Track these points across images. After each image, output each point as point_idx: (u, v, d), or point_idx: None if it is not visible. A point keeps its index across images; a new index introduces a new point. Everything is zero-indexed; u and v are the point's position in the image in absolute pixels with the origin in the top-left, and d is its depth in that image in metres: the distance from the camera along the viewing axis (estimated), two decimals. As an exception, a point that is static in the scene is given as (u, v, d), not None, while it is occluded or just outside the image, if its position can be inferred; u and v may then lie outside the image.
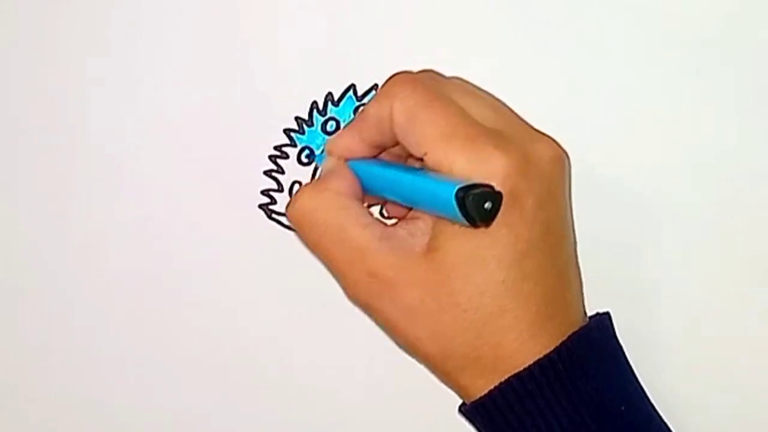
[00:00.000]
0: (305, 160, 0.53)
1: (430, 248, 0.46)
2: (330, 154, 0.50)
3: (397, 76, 0.48)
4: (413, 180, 0.46)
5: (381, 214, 0.53)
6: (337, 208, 0.47)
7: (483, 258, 0.45)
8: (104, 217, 0.54)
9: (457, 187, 0.43)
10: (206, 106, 0.53)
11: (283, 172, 0.53)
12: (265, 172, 0.53)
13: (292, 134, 0.53)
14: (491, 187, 0.43)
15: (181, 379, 0.55)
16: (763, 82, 0.52)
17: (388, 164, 0.50)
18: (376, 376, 0.54)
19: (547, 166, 0.46)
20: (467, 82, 0.50)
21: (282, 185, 0.53)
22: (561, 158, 0.47)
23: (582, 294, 0.49)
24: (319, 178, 0.50)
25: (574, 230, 0.49)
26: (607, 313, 0.49)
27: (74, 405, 0.55)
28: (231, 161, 0.53)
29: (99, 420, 0.55)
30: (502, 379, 0.45)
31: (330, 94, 0.52)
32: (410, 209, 0.50)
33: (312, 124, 0.53)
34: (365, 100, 0.52)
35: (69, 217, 0.54)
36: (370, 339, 0.53)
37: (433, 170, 0.46)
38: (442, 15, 0.52)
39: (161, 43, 0.53)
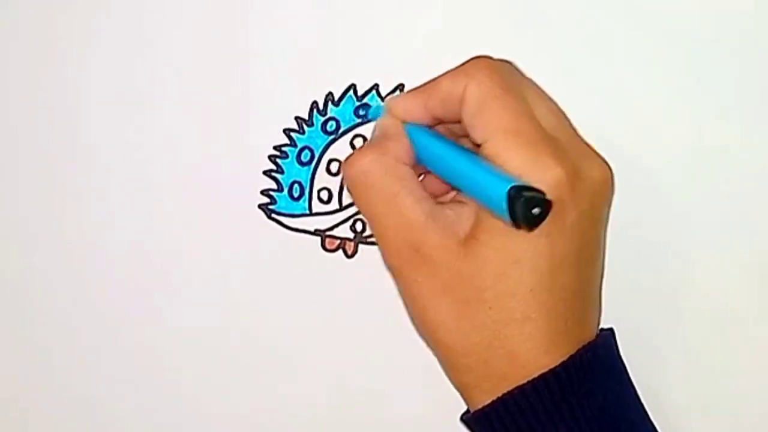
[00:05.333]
0: (305, 160, 0.52)
1: (470, 236, 0.46)
2: (389, 112, 0.49)
3: (478, 59, 0.47)
4: (468, 165, 0.45)
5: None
6: (394, 176, 0.47)
7: (518, 261, 0.45)
8: (103, 217, 0.54)
9: (510, 185, 0.42)
10: (206, 105, 0.53)
11: (282, 172, 0.52)
12: (265, 172, 0.53)
13: (292, 134, 0.52)
14: (543, 193, 0.43)
15: (180, 379, 0.55)
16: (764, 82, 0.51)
17: (444, 140, 0.48)
18: (376, 376, 0.54)
19: (595, 186, 0.46)
20: (538, 86, 0.49)
21: (282, 185, 0.53)
22: (609, 180, 0.47)
23: (599, 317, 0.48)
24: (376, 137, 0.49)
25: (604, 254, 0.48)
26: (611, 330, 0.48)
27: (74, 405, 0.55)
28: (231, 161, 0.53)
29: (99, 421, 0.55)
30: (507, 389, 0.45)
31: (330, 94, 0.52)
32: (450, 189, 0.49)
33: (312, 124, 0.52)
34: (365, 100, 0.52)
35: (68, 216, 0.54)
36: (371, 339, 0.53)
37: (488, 160, 0.45)
38: (442, 15, 0.52)
39: (161, 42, 0.53)
